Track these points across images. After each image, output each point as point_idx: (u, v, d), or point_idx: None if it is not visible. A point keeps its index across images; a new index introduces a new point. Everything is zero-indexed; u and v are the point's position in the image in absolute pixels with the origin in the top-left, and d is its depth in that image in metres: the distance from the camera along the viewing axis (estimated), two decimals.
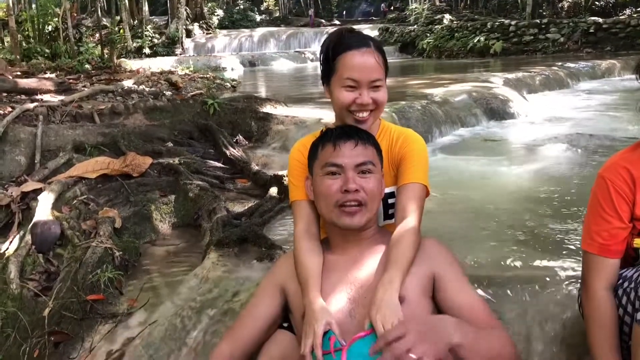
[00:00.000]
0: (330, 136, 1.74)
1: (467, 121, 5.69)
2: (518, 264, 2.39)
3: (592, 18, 14.70)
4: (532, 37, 14.86)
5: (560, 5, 17.94)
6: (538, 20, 15.30)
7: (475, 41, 15.07)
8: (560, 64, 9.61)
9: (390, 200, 1.86)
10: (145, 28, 19.08)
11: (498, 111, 6.01)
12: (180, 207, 3.62)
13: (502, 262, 2.41)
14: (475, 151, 4.66)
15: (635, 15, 14.76)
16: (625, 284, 1.58)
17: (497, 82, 7.11)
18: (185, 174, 3.85)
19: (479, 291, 2.13)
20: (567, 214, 2.98)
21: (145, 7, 20.78)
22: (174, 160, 4.09)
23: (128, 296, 2.65)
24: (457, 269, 1.67)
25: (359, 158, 1.69)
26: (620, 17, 14.91)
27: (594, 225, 1.64)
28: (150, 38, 19.16)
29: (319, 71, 2.00)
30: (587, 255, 1.66)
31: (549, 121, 5.87)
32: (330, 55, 1.81)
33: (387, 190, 1.85)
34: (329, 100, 1.90)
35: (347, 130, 1.75)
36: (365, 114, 1.80)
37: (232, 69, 14.44)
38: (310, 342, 1.52)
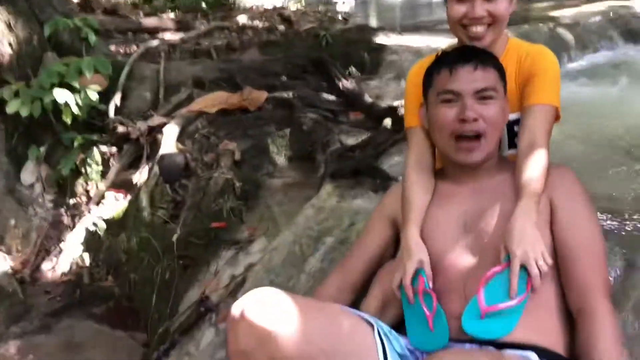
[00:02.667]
0: (445, 60, 1.59)
1: (600, 45, 5.16)
2: None
3: None
4: None
5: None
6: None
7: None
8: None
9: (517, 128, 1.69)
10: None
11: (638, 33, 5.39)
12: (295, 140, 3.65)
13: (637, 197, 2.21)
14: (609, 78, 4.24)
15: None
16: None
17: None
18: (299, 107, 3.87)
19: (612, 225, 1.97)
20: None
21: None
22: (288, 94, 4.11)
23: (248, 224, 2.76)
24: (582, 199, 1.52)
25: (478, 83, 1.53)
26: None
27: None
28: None
29: None
30: None
31: None
32: None
33: (513, 116, 1.68)
34: (446, 27, 1.76)
35: (465, 52, 1.60)
36: (480, 29, 1.63)
37: (344, 2, 14.12)
38: (400, 277, 1.49)
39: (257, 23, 6.60)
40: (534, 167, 1.50)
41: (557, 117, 1.67)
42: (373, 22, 8.77)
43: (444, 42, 4.64)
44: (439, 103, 1.59)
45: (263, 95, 4.07)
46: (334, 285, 1.76)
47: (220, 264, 2.56)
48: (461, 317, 1.42)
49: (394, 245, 1.78)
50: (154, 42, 4.82)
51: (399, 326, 1.69)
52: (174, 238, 2.76)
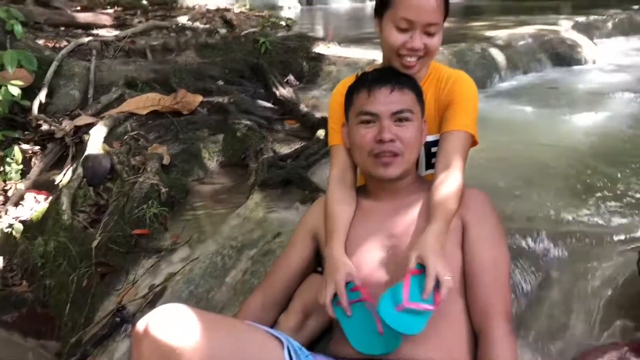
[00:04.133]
0: (365, 81, 1.62)
1: (529, 66, 5.37)
2: (572, 219, 2.26)
3: None
4: None
5: None
6: None
7: None
8: (637, 7, 8.91)
9: (434, 149, 1.74)
10: None
11: (564, 57, 5.64)
12: (228, 146, 3.60)
13: (554, 217, 2.28)
14: (536, 98, 4.41)
15: None
16: None
17: (566, 26, 6.65)
18: (234, 113, 3.83)
19: (526, 244, 2.03)
20: (629, 171, 2.78)
21: None
22: (223, 99, 4.06)
23: (172, 232, 2.69)
24: (491, 221, 1.58)
25: (394, 105, 1.57)
26: None
27: None
28: None
29: None
30: None
31: (618, 69, 5.48)
32: None
33: (431, 138, 1.73)
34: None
35: (384, 74, 1.63)
36: (413, 59, 1.66)
37: (289, 8, 14.11)
38: (331, 292, 1.48)
39: (198, 24, 6.51)
40: (448, 191, 1.55)
41: (474, 143, 1.72)
42: (316, 31, 8.82)
43: (381, 55, 4.72)
44: (358, 123, 1.61)
45: (197, 98, 4.01)
46: (258, 303, 1.75)
47: (139, 272, 2.48)
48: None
49: (315, 259, 1.79)
50: (86, 39, 4.66)
51: (319, 340, 1.70)
52: (94, 244, 2.65)
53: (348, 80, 1.77)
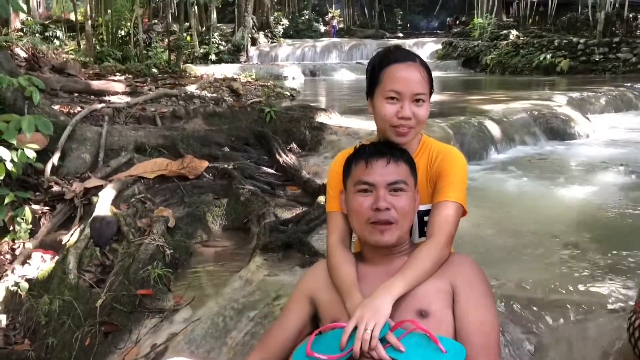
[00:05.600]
0: (363, 154, 1.75)
1: (525, 140, 5.58)
2: (562, 288, 2.33)
3: None
4: (601, 56, 14.37)
5: (635, 24, 17.27)
6: (609, 39, 14.80)
7: (541, 58, 14.70)
8: (629, 84, 9.25)
9: (426, 218, 1.85)
10: (213, 35, 19.68)
11: (558, 131, 5.87)
12: (232, 210, 3.73)
13: (545, 285, 2.36)
14: (530, 170, 4.57)
15: None
16: None
17: (560, 101, 6.93)
18: (238, 178, 3.97)
19: (518, 311, 2.11)
20: (617, 241, 2.88)
21: (214, 15, 21.42)
22: (228, 165, 4.21)
23: (175, 293, 2.76)
24: (479, 286, 1.66)
25: (390, 177, 1.70)
26: None
27: None
28: (216, 45, 19.71)
29: None
30: None
31: (611, 144, 5.68)
32: (376, 68, 1.83)
33: (424, 207, 1.85)
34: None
35: (380, 147, 1.76)
36: (405, 129, 1.80)
37: (294, 78, 14.65)
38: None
39: (206, 93, 6.78)
40: (423, 255, 1.67)
41: (464, 212, 1.84)
42: (319, 101, 9.12)
43: None
44: (356, 192, 1.73)
45: (203, 164, 4.16)
46: None
47: (142, 331, 2.53)
48: None
49: (311, 322, 1.86)
50: (99, 105, 4.87)
51: None
52: (98, 303, 2.72)
53: (346, 152, 1.91)
